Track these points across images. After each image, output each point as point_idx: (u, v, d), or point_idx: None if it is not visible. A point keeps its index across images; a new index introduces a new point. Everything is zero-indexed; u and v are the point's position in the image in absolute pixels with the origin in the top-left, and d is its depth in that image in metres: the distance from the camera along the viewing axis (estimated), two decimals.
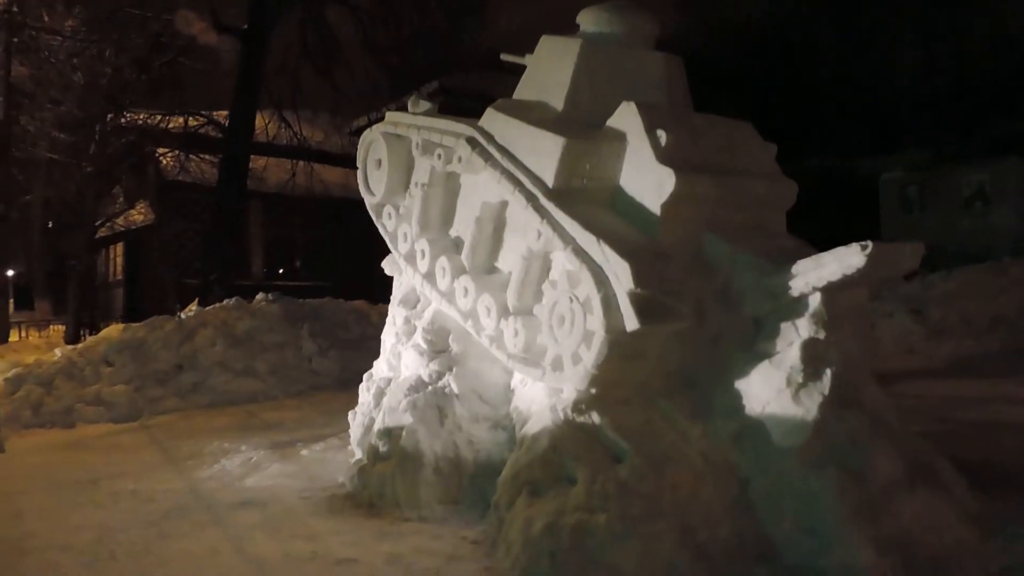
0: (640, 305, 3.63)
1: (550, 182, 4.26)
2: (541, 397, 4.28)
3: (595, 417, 3.84)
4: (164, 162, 17.63)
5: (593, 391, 3.92)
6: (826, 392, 3.51)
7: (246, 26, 12.68)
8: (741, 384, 3.82)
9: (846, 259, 3.43)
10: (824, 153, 19.69)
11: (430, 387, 4.89)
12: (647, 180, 4.07)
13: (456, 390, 4.82)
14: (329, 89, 13.63)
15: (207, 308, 10.61)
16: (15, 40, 14.97)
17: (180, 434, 7.53)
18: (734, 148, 4.42)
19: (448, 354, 5.04)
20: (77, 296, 16.55)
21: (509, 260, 4.66)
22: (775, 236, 4.26)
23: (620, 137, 4.23)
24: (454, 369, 4.92)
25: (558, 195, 4.21)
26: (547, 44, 4.95)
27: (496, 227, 4.79)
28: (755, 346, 3.84)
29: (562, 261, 4.08)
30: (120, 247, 21.58)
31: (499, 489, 3.95)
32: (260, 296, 11.09)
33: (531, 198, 4.26)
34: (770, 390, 3.66)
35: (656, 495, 3.49)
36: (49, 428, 8.15)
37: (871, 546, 3.23)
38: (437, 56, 15.03)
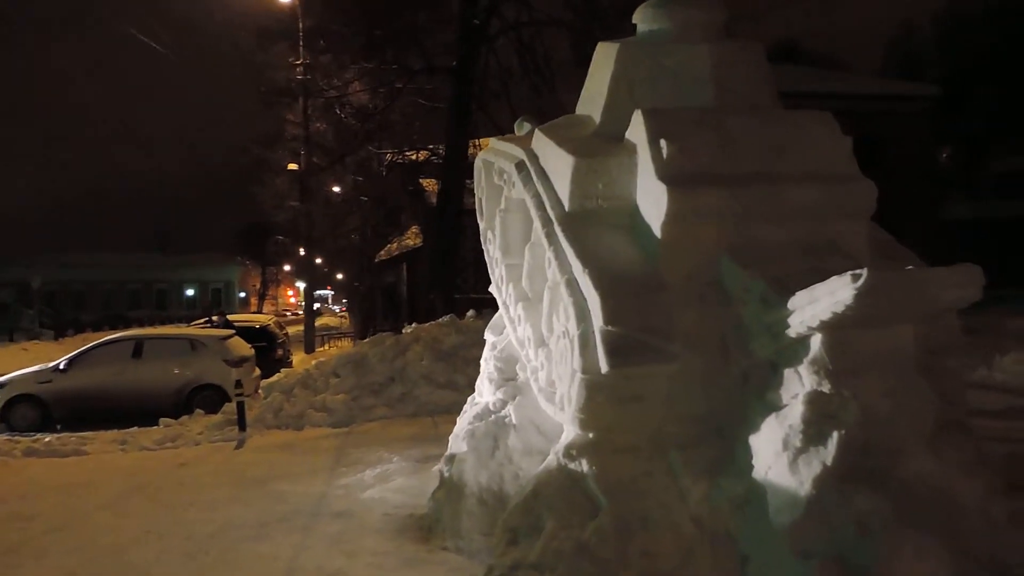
0: (611, 344, 3.20)
1: (566, 205, 3.97)
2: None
3: (584, 465, 3.47)
4: (429, 191, 19.84)
5: (590, 435, 3.55)
6: (828, 462, 2.72)
7: (455, 63, 13.80)
8: (754, 439, 3.13)
9: (837, 292, 2.62)
10: None
11: (493, 416, 4.85)
12: (652, 197, 3.56)
13: (515, 420, 4.69)
14: (541, 109, 14.09)
15: (424, 325, 11.69)
16: (309, 103, 18.11)
17: (368, 441, 8.44)
18: (786, 149, 3.63)
19: (515, 382, 4.95)
20: (361, 311, 19.55)
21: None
22: (828, 254, 3.37)
23: (632, 150, 3.76)
24: (516, 398, 4.80)
25: (572, 219, 3.89)
26: (599, 51, 4.60)
27: None
28: (767, 394, 3.13)
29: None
30: (405, 266, 24.81)
31: (495, 530, 3.78)
32: (470, 313, 11.88)
33: (546, 223, 4.01)
34: (771, 451, 2.95)
35: (616, 561, 3.05)
36: (284, 430, 9.75)
37: None
38: None
